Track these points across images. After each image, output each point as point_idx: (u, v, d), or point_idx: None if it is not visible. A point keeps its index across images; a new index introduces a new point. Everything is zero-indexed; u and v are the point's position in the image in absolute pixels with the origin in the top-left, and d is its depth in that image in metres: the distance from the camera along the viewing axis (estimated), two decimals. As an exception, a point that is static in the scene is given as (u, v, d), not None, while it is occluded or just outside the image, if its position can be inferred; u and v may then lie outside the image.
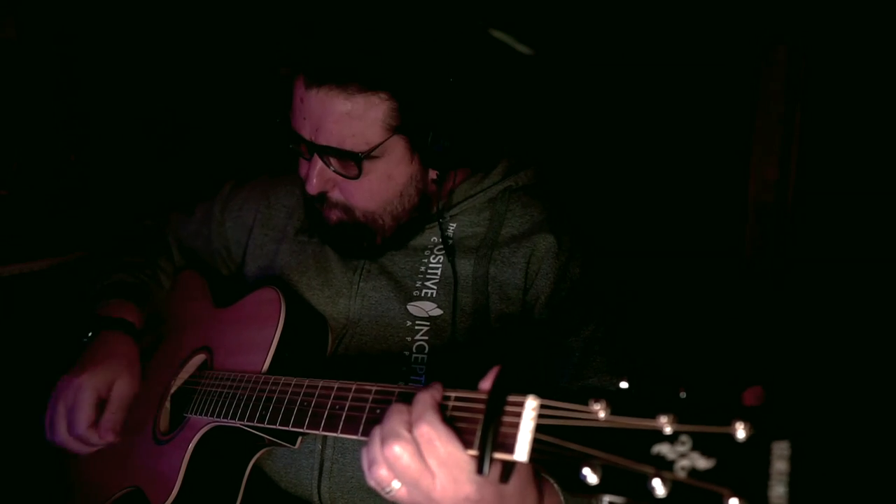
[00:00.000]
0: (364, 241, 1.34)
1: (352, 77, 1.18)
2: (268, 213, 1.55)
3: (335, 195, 1.31)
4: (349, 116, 1.19)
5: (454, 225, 1.38)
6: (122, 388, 1.33)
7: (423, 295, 1.32)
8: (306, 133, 1.24)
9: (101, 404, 1.32)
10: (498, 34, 2.53)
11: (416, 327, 1.30)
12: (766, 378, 0.61)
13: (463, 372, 0.89)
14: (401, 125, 1.22)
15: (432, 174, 1.33)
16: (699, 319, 2.34)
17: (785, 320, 2.28)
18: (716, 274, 2.46)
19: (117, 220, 1.88)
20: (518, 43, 2.60)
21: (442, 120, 1.24)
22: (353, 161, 1.22)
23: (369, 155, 1.22)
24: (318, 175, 1.27)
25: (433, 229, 1.39)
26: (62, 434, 1.30)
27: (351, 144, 1.21)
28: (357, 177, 1.24)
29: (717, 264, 2.47)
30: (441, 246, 1.36)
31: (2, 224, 2.40)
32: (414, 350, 1.28)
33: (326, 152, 1.24)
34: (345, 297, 1.37)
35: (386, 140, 1.22)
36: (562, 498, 1.00)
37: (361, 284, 1.37)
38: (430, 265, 1.35)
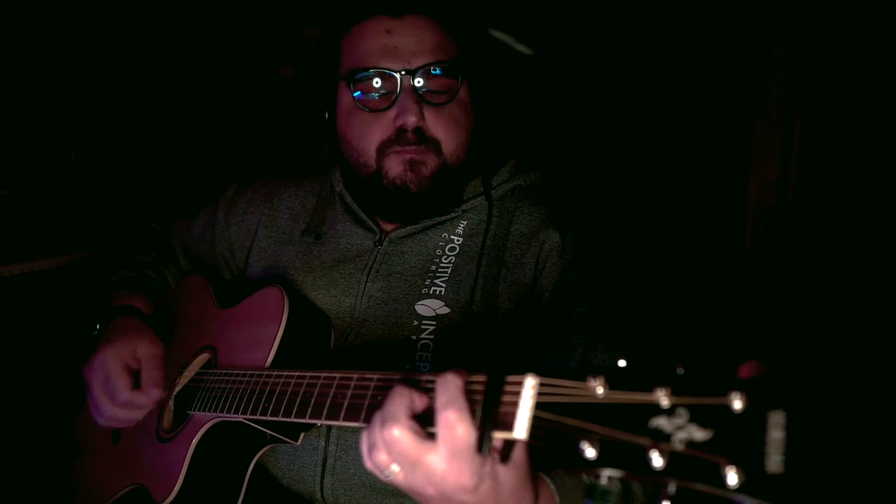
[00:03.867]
0: (452, 190, 1.36)
1: (433, 8, 1.30)
2: (272, 215, 1.55)
3: (429, 130, 1.30)
4: (442, 34, 1.30)
5: (464, 223, 1.38)
6: (148, 350, 1.34)
7: (431, 293, 1.31)
8: (398, 63, 1.27)
9: (134, 375, 1.32)
10: (498, 34, 2.54)
11: (423, 326, 1.29)
12: (763, 351, 0.61)
13: (467, 369, 0.89)
14: (468, 71, 1.33)
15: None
16: (700, 319, 2.34)
17: (784, 319, 2.28)
18: (716, 274, 2.46)
19: (118, 220, 1.88)
20: (518, 43, 2.61)
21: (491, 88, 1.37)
22: (454, 72, 1.29)
23: (462, 69, 1.30)
24: (416, 102, 1.28)
25: (447, 227, 1.39)
26: (109, 409, 1.29)
27: (450, 56, 1.30)
28: (456, 92, 1.30)
29: (718, 265, 2.47)
30: (453, 246, 1.37)
31: (2, 224, 2.41)
32: (418, 349, 1.27)
33: (426, 72, 1.27)
34: (350, 297, 1.36)
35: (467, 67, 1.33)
36: (557, 499, 0.99)
37: (369, 285, 1.36)
38: (441, 264, 1.34)
